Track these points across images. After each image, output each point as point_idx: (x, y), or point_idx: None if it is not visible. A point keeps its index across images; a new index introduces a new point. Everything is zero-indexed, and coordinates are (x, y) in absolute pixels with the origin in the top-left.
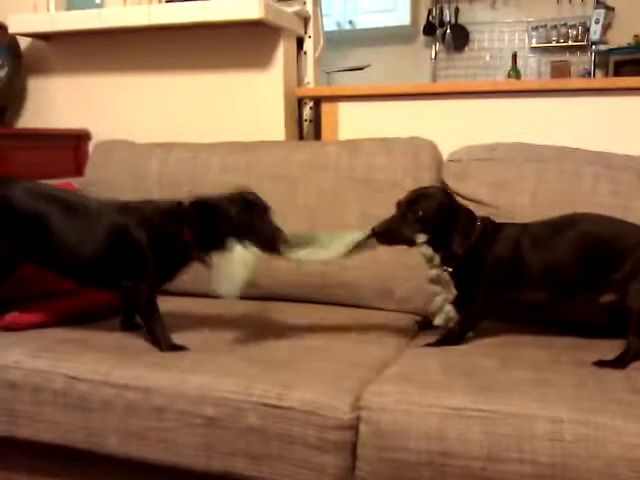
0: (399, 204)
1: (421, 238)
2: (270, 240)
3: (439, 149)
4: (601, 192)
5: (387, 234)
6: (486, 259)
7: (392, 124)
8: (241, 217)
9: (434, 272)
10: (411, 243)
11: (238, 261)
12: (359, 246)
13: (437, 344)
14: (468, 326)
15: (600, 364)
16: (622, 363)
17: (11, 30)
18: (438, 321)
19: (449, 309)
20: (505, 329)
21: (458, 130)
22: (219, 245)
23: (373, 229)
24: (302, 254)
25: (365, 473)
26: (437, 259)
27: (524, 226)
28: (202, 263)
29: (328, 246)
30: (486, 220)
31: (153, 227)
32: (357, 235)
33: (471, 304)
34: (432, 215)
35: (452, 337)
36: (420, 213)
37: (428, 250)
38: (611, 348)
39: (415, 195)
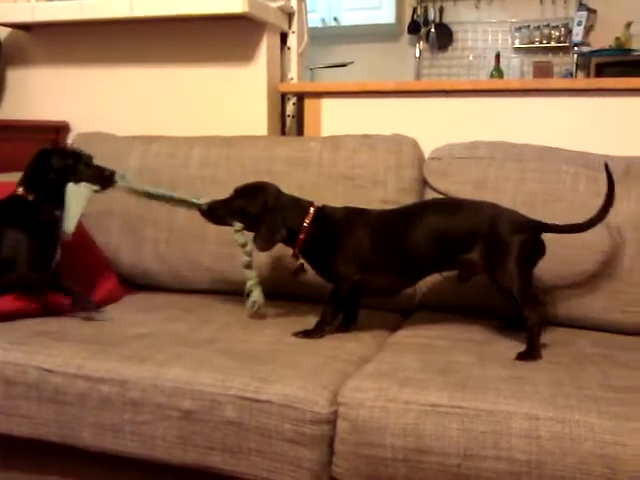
0: (235, 190)
1: (237, 225)
2: (98, 175)
3: (421, 147)
4: (581, 191)
5: (209, 212)
6: (335, 245)
7: (375, 121)
8: (65, 165)
9: (246, 258)
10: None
11: (71, 198)
12: (186, 204)
13: (304, 334)
14: (326, 312)
15: (520, 357)
16: (534, 347)
17: None
18: (247, 305)
19: (256, 294)
20: (484, 325)
21: (440, 128)
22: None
23: (200, 206)
24: (148, 187)
25: (342, 469)
26: (250, 246)
27: (376, 213)
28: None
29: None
30: (330, 209)
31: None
32: (193, 197)
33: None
34: (248, 207)
35: (317, 326)
36: (239, 203)
37: (241, 237)
38: (585, 342)
39: (245, 186)
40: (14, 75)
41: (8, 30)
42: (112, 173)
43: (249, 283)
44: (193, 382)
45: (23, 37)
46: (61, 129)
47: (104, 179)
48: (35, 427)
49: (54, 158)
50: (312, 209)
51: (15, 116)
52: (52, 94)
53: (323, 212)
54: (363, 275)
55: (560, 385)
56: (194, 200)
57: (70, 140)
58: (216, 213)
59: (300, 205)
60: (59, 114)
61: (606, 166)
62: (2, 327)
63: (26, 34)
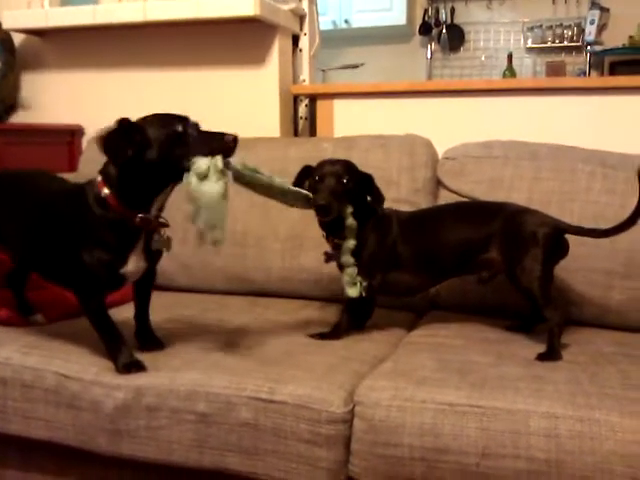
0: (331, 173)
1: (349, 209)
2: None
3: (434, 147)
4: (596, 190)
5: (328, 207)
6: (368, 239)
7: (387, 122)
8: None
9: (352, 242)
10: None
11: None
12: (292, 196)
13: (320, 337)
14: (344, 316)
15: (540, 358)
16: (554, 348)
17: (5, 26)
18: (353, 292)
19: (360, 279)
20: (497, 324)
21: (453, 128)
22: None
23: (315, 200)
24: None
25: (358, 468)
26: (352, 266)
27: (405, 213)
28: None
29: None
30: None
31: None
32: (303, 191)
33: None
34: (349, 185)
35: (334, 329)
36: (343, 184)
37: (354, 222)
38: (603, 341)
39: (336, 162)
40: (29, 80)
41: (22, 36)
42: (235, 138)
43: (351, 269)
44: (207, 385)
45: (37, 43)
46: (76, 132)
47: (227, 149)
48: (53, 431)
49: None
50: None
51: (30, 120)
52: (66, 98)
53: None
54: (386, 276)
55: (579, 384)
56: (305, 193)
57: (85, 143)
58: (334, 205)
59: None
60: (73, 118)
61: (639, 175)
62: (20, 330)
63: (40, 40)
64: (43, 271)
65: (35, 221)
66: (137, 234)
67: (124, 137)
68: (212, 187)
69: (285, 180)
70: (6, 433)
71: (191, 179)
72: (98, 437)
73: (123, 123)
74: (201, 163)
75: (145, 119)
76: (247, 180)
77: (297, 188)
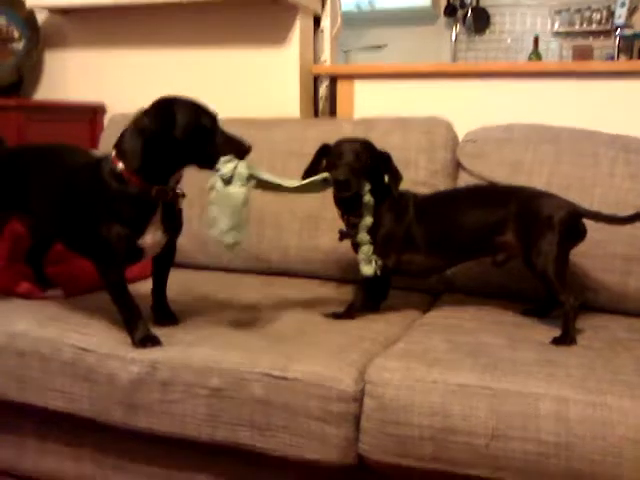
0: (350, 150)
1: (367, 186)
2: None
3: (455, 129)
4: (618, 175)
5: (347, 183)
6: (383, 219)
7: (408, 104)
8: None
9: (370, 220)
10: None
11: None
12: (312, 185)
13: (334, 316)
14: (358, 296)
15: (555, 342)
16: (569, 333)
17: (29, 4)
18: (368, 270)
19: (375, 257)
20: (513, 308)
21: (477, 111)
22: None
23: (336, 177)
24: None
25: (368, 446)
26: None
27: (421, 195)
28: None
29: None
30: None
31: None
32: (318, 177)
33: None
34: (369, 162)
35: (348, 309)
36: (360, 160)
37: (372, 198)
38: (618, 327)
39: (354, 140)
40: (52, 57)
41: (46, 14)
42: (249, 148)
43: (366, 247)
44: (221, 361)
45: (61, 21)
46: (98, 110)
47: (244, 152)
48: (69, 402)
49: (180, 111)
50: None
51: (53, 97)
52: (89, 76)
53: None
54: (401, 257)
55: (592, 369)
56: (323, 176)
57: (106, 121)
58: (353, 181)
59: None
60: (96, 95)
61: None
62: (39, 302)
63: (63, 18)
64: (66, 242)
65: (57, 194)
66: (154, 206)
67: (156, 114)
68: (236, 192)
69: (293, 181)
70: (24, 402)
71: (216, 183)
72: (113, 410)
73: (160, 102)
74: (226, 169)
75: (178, 102)
76: (261, 185)
77: (308, 179)
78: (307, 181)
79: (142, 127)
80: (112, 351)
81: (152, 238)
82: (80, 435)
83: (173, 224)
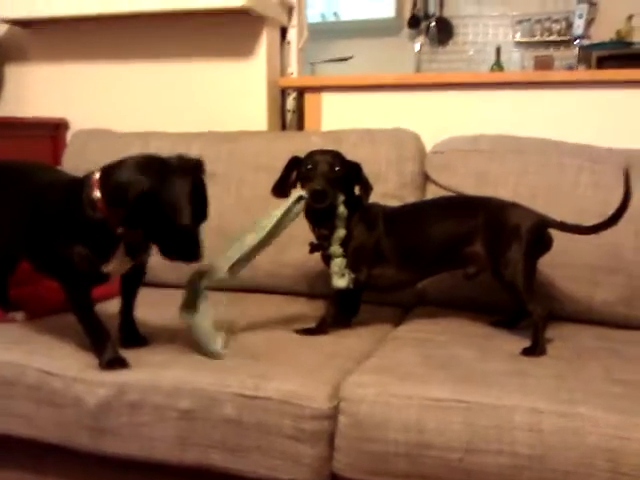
0: (323, 161)
1: (340, 206)
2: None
3: (422, 140)
4: (583, 184)
5: (323, 194)
6: (354, 231)
7: (376, 115)
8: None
9: (343, 232)
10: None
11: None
12: (287, 215)
13: (306, 332)
14: (329, 310)
15: (525, 353)
16: (539, 343)
17: None
18: (341, 283)
19: (348, 270)
20: (483, 320)
21: (442, 122)
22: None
23: (312, 188)
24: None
25: (342, 464)
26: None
27: (390, 207)
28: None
29: (253, 230)
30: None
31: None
32: (282, 208)
33: None
34: (340, 173)
35: (319, 324)
36: (335, 170)
37: (345, 210)
38: (586, 336)
39: (326, 151)
40: (12, 72)
41: (6, 27)
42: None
43: (339, 260)
44: (191, 381)
45: (21, 33)
46: (60, 126)
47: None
48: (34, 428)
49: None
50: None
51: (14, 113)
52: (50, 91)
53: None
54: (371, 271)
55: (564, 379)
56: (297, 196)
57: (69, 137)
58: (329, 191)
59: None
60: (58, 111)
61: (626, 174)
62: (1, 326)
63: (24, 30)
64: (32, 261)
65: (23, 212)
66: (119, 239)
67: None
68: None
69: (266, 223)
70: None
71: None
72: (80, 434)
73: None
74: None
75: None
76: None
77: (282, 207)
78: (283, 209)
79: (141, 185)
80: (78, 374)
81: (117, 264)
82: (45, 462)
83: (140, 252)
